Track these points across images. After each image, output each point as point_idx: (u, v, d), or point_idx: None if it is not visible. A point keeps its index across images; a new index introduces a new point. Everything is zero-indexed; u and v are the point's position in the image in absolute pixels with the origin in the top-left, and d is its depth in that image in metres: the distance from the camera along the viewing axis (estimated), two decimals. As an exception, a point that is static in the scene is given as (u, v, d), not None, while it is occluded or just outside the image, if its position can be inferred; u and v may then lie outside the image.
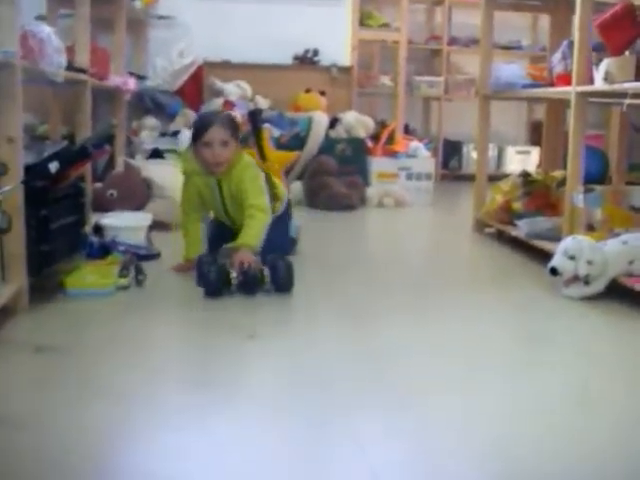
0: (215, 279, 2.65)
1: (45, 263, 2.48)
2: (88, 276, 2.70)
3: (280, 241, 3.11)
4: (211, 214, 3.29)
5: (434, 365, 2.08)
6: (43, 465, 1.46)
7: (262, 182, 3.04)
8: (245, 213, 2.97)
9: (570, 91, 3.10)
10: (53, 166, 2.34)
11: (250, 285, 2.68)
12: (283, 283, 2.72)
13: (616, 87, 2.80)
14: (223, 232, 3.20)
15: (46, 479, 1.41)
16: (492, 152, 6.80)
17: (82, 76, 3.25)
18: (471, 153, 6.82)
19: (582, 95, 3.06)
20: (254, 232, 2.91)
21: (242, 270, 2.68)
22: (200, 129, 2.95)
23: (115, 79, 4.01)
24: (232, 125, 3.00)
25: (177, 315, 2.51)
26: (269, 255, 2.82)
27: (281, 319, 2.53)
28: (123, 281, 2.72)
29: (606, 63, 2.84)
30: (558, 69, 3.39)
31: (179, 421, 1.67)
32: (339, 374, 1.98)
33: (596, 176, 4.91)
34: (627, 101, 2.79)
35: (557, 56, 3.43)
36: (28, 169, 2.35)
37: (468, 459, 1.52)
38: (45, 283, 2.58)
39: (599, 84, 2.90)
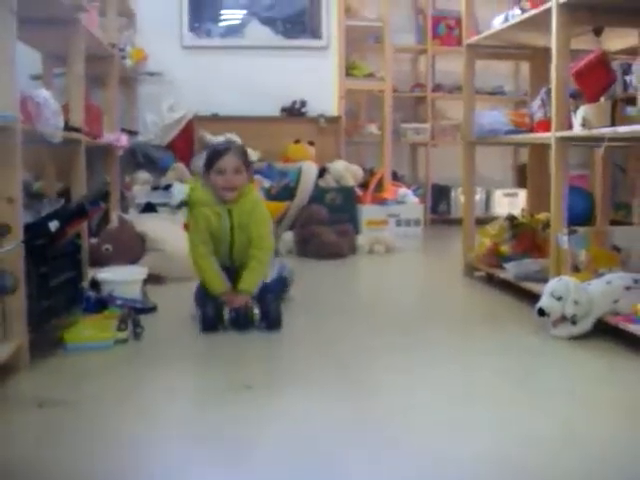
0: (211, 315, 2.92)
1: (45, 319, 2.54)
2: (86, 330, 2.75)
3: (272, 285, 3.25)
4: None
5: (420, 405, 2.14)
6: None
7: (270, 221, 3.20)
8: (251, 251, 3.10)
9: (550, 137, 3.20)
10: (53, 225, 2.41)
11: (241, 322, 2.93)
12: (273, 322, 2.94)
13: (594, 132, 2.90)
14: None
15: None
16: (480, 195, 6.92)
17: (77, 135, 3.34)
18: (459, 197, 6.91)
19: (561, 140, 3.16)
20: (255, 279, 3.07)
21: (234, 308, 2.94)
22: (214, 157, 3.08)
23: (108, 136, 4.11)
24: (244, 155, 3.14)
25: (175, 367, 2.55)
26: (260, 294, 3.04)
27: (275, 367, 2.58)
28: (121, 335, 2.77)
29: (583, 109, 2.95)
30: (538, 115, 3.50)
31: (180, 476, 1.72)
32: (325, 417, 2.04)
33: (582, 216, 4.99)
34: (604, 144, 2.89)
35: (537, 103, 3.54)
36: (28, 228, 2.42)
37: None
38: (44, 338, 2.63)
39: (577, 130, 3.01)
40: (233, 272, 3.17)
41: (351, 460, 1.77)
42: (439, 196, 7.22)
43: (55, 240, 2.58)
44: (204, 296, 3.09)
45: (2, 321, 2.35)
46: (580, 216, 4.73)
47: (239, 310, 2.93)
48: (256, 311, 2.94)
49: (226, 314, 2.94)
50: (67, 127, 3.26)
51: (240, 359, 2.66)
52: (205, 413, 2.13)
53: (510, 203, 6.98)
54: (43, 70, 4.44)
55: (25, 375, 2.39)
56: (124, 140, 4.47)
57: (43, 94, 2.52)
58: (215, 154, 3.10)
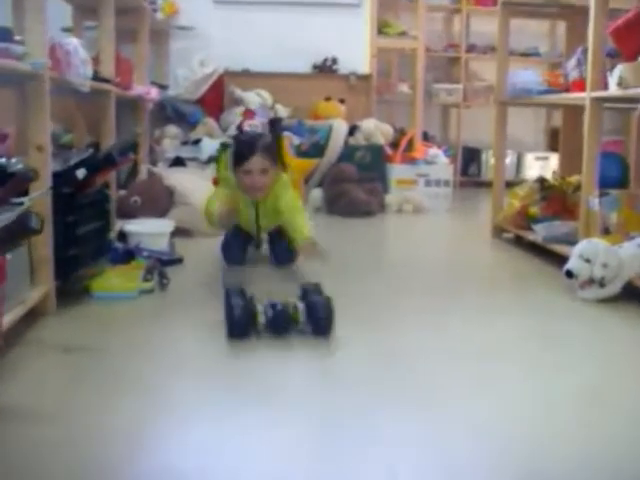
0: (240, 316, 2.25)
1: (72, 267, 2.56)
2: (113, 280, 2.78)
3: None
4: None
5: (451, 367, 2.12)
6: (73, 458, 1.53)
7: (300, 200, 3.10)
8: (284, 214, 3.02)
9: (584, 97, 3.14)
10: (80, 173, 2.41)
11: (280, 324, 2.27)
12: (322, 324, 2.26)
13: (630, 92, 2.84)
14: (241, 240, 3.27)
15: (77, 472, 1.48)
16: (511, 158, 6.83)
17: (107, 86, 3.33)
18: (490, 160, 6.85)
19: (596, 100, 3.10)
20: (305, 225, 2.95)
21: (271, 304, 2.29)
22: (241, 157, 2.98)
23: (138, 89, 4.10)
24: (272, 151, 3.03)
25: (199, 317, 2.56)
26: (303, 286, 2.51)
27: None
28: (147, 285, 2.79)
29: (620, 68, 2.88)
30: (573, 75, 3.43)
31: (199, 416, 1.73)
32: (359, 375, 2.04)
33: (615, 181, 4.91)
34: (641, 105, 2.83)
35: (572, 62, 3.47)
36: (56, 176, 2.42)
37: (485, 460, 1.56)
38: (72, 287, 2.65)
39: (613, 89, 2.94)
40: (258, 240, 3.20)
41: (381, 415, 1.77)
42: (469, 158, 7.16)
43: (83, 189, 2.59)
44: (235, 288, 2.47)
45: (30, 267, 2.37)
46: (613, 181, 4.65)
47: (276, 306, 2.28)
48: (300, 308, 2.28)
49: (261, 315, 2.27)
50: (97, 78, 3.26)
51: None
52: (229, 363, 2.14)
53: (541, 167, 6.88)
54: (73, 23, 4.43)
55: (52, 321, 2.42)
56: (154, 93, 4.46)
57: (73, 42, 2.51)
58: (242, 154, 3.00)
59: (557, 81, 3.61)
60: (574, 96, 3.36)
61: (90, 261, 2.69)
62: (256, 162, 2.95)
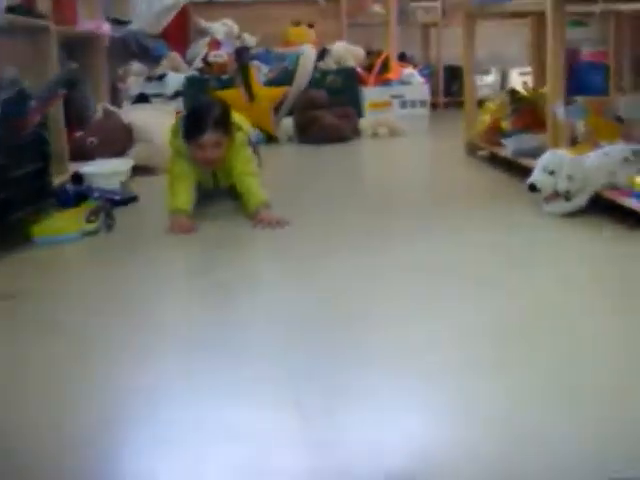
0: None
1: (4, 212, 2.44)
2: (55, 223, 2.66)
3: None
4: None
5: (419, 281, 2.08)
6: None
7: (252, 157, 2.97)
8: (236, 179, 2.90)
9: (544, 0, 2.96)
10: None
11: None
12: None
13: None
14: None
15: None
16: (494, 75, 6.62)
17: (42, 22, 3.16)
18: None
19: (556, 3, 2.91)
20: (257, 188, 2.85)
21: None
22: (193, 132, 2.81)
23: (86, 24, 3.91)
24: (225, 122, 2.84)
25: (142, 258, 2.46)
26: None
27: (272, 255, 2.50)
28: (89, 226, 2.68)
29: (578, -35, 2.71)
30: (535, -23, 3.24)
31: (138, 364, 1.64)
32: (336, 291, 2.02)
33: (601, 91, 4.77)
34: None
35: (534, -36, 3.27)
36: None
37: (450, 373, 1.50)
38: (11, 232, 2.55)
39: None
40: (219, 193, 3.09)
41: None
42: (451, 78, 6.93)
43: (13, 131, 2.45)
44: None
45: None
46: (599, 91, 4.51)
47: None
48: None
49: None
50: (31, 14, 3.10)
51: (213, 248, 2.56)
52: (163, 303, 2.04)
53: (525, 80, 6.67)
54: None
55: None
56: (106, 28, 4.27)
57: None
58: (193, 129, 2.81)
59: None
60: (535, 0, 3.17)
61: (26, 205, 2.57)
62: (209, 138, 2.77)
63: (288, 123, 4.96)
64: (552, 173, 2.69)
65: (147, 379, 1.54)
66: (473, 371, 1.51)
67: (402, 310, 1.88)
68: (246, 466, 1.21)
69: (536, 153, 3.23)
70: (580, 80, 4.89)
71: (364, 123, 5.04)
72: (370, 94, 5.23)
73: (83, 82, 4.02)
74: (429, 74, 6.12)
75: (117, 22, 4.93)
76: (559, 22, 2.96)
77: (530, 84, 4.44)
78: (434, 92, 6.15)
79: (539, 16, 4.04)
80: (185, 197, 2.81)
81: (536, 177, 2.73)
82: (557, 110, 2.98)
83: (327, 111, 4.88)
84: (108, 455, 1.26)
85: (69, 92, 2.99)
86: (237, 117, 3.03)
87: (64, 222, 2.67)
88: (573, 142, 3.04)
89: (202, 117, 2.80)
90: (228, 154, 2.86)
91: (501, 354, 1.60)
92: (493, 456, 1.21)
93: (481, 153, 4.00)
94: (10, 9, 2.62)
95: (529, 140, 3.38)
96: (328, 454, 1.24)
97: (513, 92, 3.80)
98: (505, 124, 3.68)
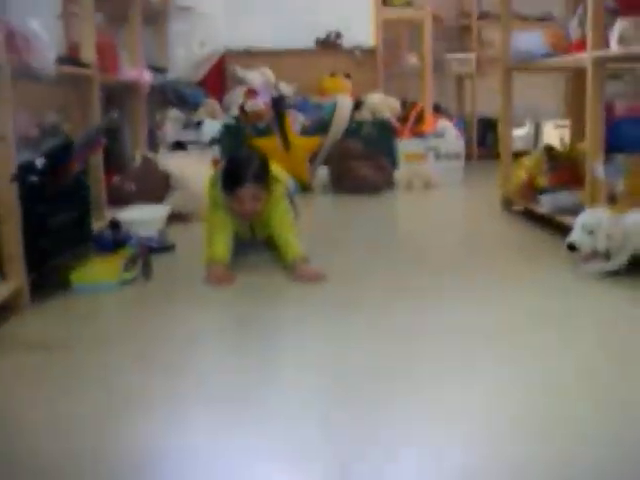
0: None
1: (44, 259, 2.46)
2: (94, 270, 2.68)
3: None
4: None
5: (453, 343, 2.05)
6: (38, 461, 1.44)
7: (289, 210, 2.99)
8: (273, 231, 2.92)
9: (585, 57, 2.97)
10: (39, 162, 2.31)
11: None
12: None
13: (633, 50, 2.67)
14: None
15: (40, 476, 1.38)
16: (528, 128, 6.63)
17: (86, 71, 3.23)
18: (506, 130, 6.64)
19: (597, 61, 2.92)
20: (294, 240, 2.86)
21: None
22: (231, 184, 2.83)
23: (128, 73, 3.98)
24: (264, 175, 2.86)
25: (179, 308, 2.46)
26: None
27: (303, 306, 2.48)
28: (128, 274, 2.69)
29: (620, 25, 2.71)
30: (575, 36, 3.25)
31: (167, 413, 1.63)
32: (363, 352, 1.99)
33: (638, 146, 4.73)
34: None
35: (574, 22, 3.29)
36: (20, 167, 2.33)
37: (488, 438, 1.48)
38: (49, 280, 2.56)
39: (614, 48, 2.77)
40: (256, 243, 3.13)
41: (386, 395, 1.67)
42: (486, 129, 6.94)
43: (56, 178, 2.49)
44: None
45: (-1, 262, 2.28)
46: (635, 146, 4.47)
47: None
48: None
49: None
50: (77, 63, 3.16)
51: (253, 300, 2.55)
52: (200, 353, 2.04)
53: (561, 135, 6.65)
54: (62, 8, 4.31)
55: (23, 316, 2.34)
56: (147, 77, 4.34)
57: (32, 27, 2.39)
58: (233, 182, 2.82)
59: (559, 42, 3.42)
60: (575, 57, 3.18)
61: (66, 252, 2.59)
62: (247, 190, 2.80)
63: (323, 173, 5.00)
64: (591, 232, 2.67)
65: (183, 435, 1.53)
66: (512, 437, 1.48)
67: (435, 372, 1.85)
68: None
69: (573, 210, 3.22)
70: (617, 135, 4.87)
71: (399, 174, 5.05)
72: (405, 146, 5.24)
73: (122, 128, 4.08)
74: (464, 127, 6.14)
75: (155, 70, 5.00)
76: (600, 81, 2.96)
77: (566, 138, 4.44)
78: (468, 143, 6.15)
79: (576, 70, 4.06)
80: (222, 247, 2.82)
81: (575, 236, 2.71)
82: (597, 169, 2.96)
83: (362, 162, 4.90)
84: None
85: (110, 139, 3.03)
86: (275, 168, 3.05)
87: (103, 269, 2.69)
88: (612, 200, 3.01)
89: (241, 169, 2.82)
90: (266, 206, 2.87)
91: (538, 419, 1.56)
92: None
93: (516, 208, 3.98)
94: (57, 59, 2.66)
95: (566, 197, 3.36)
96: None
97: (550, 149, 3.78)
98: (541, 180, 3.66)
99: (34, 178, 2.34)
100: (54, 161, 2.37)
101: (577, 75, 4.16)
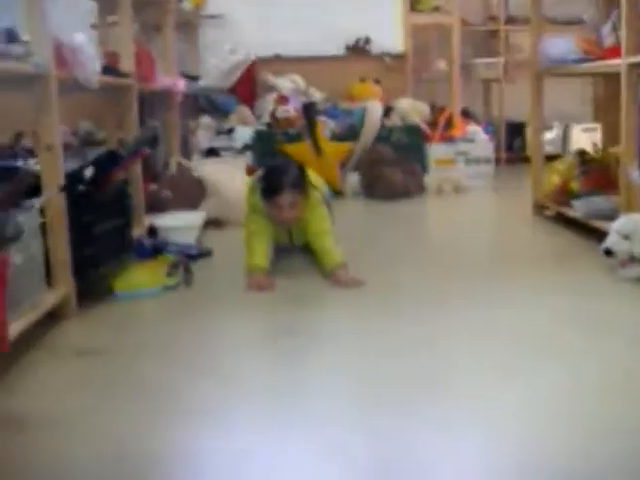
0: None
1: (90, 267, 2.52)
2: (136, 278, 2.74)
3: None
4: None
5: (489, 348, 2.07)
6: (92, 465, 1.49)
7: (326, 216, 3.03)
8: (311, 237, 2.97)
9: (620, 63, 2.98)
10: (88, 172, 2.37)
11: None
12: None
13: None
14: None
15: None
16: (557, 131, 6.62)
17: (126, 80, 3.29)
18: (535, 134, 6.63)
19: (632, 67, 2.93)
20: (332, 247, 2.89)
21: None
22: (270, 191, 2.88)
23: (163, 81, 4.04)
24: (301, 182, 2.90)
25: (222, 314, 2.51)
26: None
27: (335, 313, 2.52)
28: (170, 281, 2.74)
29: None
30: (608, 41, 3.27)
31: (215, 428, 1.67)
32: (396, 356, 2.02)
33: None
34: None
35: (607, 28, 3.31)
36: (67, 176, 2.39)
37: (524, 443, 1.50)
38: (94, 287, 2.62)
39: (650, 54, 2.79)
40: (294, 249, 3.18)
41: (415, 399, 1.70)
42: (514, 133, 6.95)
43: (99, 187, 2.54)
44: None
45: (46, 270, 2.34)
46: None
47: None
48: None
49: None
50: (117, 73, 3.22)
51: (295, 306, 2.59)
52: (246, 361, 2.08)
53: (590, 139, 6.63)
54: (99, 19, 4.39)
55: (70, 323, 2.40)
56: (181, 85, 4.40)
57: (79, 39, 2.45)
58: (271, 190, 2.87)
59: (592, 48, 3.43)
60: (609, 63, 3.18)
61: (111, 259, 2.65)
62: (286, 198, 2.85)
63: (354, 178, 5.04)
64: (627, 237, 2.69)
65: (229, 443, 1.57)
66: (550, 448, 1.51)
67: (471, 378, 1.88)
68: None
69: (607, 215, 3.24)
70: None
71: (429, 179, 5.08)
72: (435, 151, 5.27)
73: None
74: (492, 131, 6.15)
75: (188, 77, 5.07)
76: (634, 86, 2.97)
77: (597, 143, 4.44)
78: (496, 148, 6.16)
79: (605, 74, 4.06)
80: (262, 254, 2.87)
81: (611, 241, 2.73)
82: (632, 174, 2.98)
83: (393, 167, 4.93)
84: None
85: (151, 150, 3.09)
86: (312, 176, 3.09)
87: (145, 276, 2.75)
88: (647, 205, 3.02)
89: (279, 177, 2.87)
90: (304, 213, 2.92)
91: (574, 426, 1.59)
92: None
93: (548, 213, 4.00)
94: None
95: (600, 202, 3.37)
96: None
97: (582, 153, 3.79)
98: (574, 185, 3.67)
99: (81, 187, 2.39)
100: (100, 170, 2.42)
101: (607, 79, 4.17)
